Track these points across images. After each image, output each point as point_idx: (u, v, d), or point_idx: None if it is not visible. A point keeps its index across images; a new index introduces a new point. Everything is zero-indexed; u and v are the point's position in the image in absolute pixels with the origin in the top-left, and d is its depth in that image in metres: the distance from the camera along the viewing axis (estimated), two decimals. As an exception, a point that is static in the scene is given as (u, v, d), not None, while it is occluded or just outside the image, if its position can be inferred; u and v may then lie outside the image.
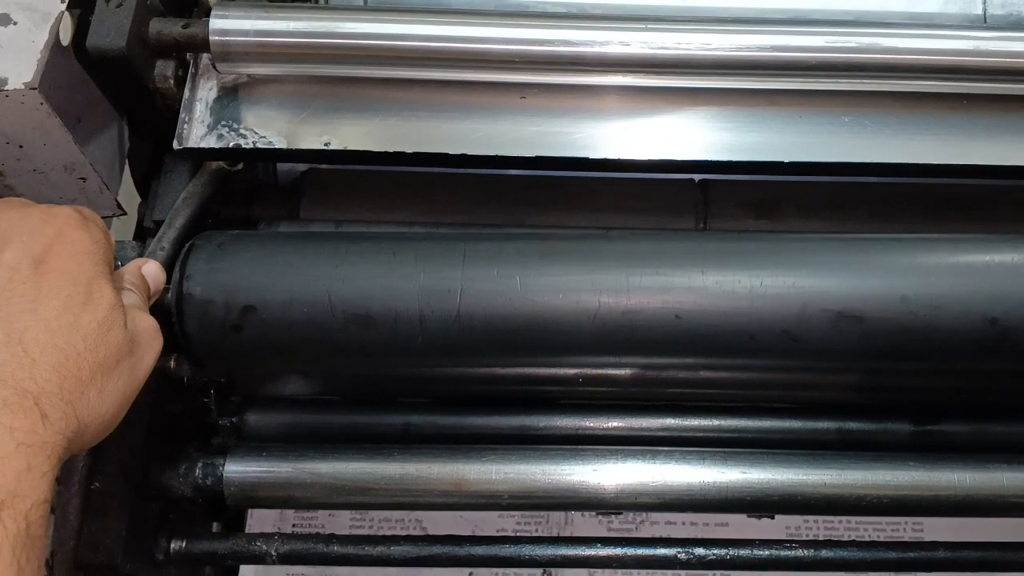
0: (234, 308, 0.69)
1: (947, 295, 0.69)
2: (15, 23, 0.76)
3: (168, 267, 0.76)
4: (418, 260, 0.71)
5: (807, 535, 0.99)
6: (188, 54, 0.84)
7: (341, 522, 0.98)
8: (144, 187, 0.91)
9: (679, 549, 0.81)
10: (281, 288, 0.70)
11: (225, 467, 0.80)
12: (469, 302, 0.70)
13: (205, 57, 0.84)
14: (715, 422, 0.88)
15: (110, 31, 0.77)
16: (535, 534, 0.98)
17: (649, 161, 0.84)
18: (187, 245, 0.73)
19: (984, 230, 0.89)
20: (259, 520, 0.98)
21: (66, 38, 0.78)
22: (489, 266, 0.71)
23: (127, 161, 0.91)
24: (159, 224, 0.80)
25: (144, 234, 0.85)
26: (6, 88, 0.74)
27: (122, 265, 0.70)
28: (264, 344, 0.71)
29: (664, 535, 0.96)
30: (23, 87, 0.74)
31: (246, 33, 0.80)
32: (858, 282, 0.71)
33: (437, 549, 0.81)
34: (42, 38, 0.76)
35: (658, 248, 0.74)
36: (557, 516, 0.98)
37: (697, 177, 0.94)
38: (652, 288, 0.71)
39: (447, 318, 0.69)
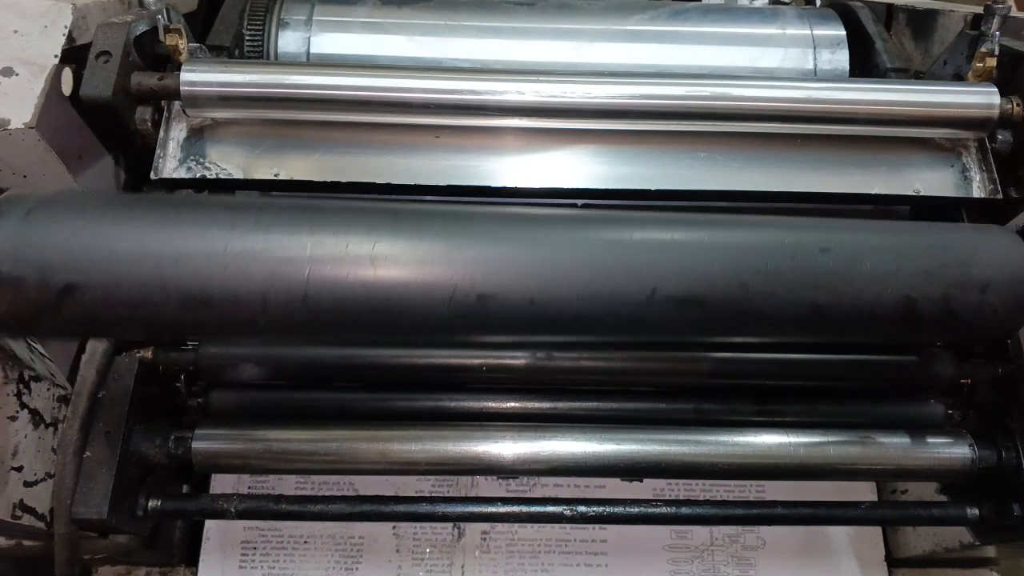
0: (51, 288, 0.58)
1: (779, 284, 0.69)
2: (17, 74, 0.83)
3: None
4: (259, 233, 0.62)
5: (670, 495, 1.09)
6: (163, 101, 0.92)
7: (288, 485, 1.07)
8: None
9: (565, 507, 0.90)
10: (106, 265, 0.60)
11: (193, 440, 0.87)
12: (317, 285, 0.61)
13: (177, 104, 0.91)
14: (595, 404, 0.96)
15: (99, 83, 0.85)
16: (447, 495, 1.07)
17: (541, 189, 0.94)
18: None
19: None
20: (221, 483, 1.07)
21: (67, 89, 0.86)
22: (339, 244, 0.63)
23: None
24: (139, 240, 0.91)
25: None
26: (9, 128, 0.81)
27: None
28: (87, 322, 0.62)
29: (553, 495, 1.06)
30: (23, 127, 0.81)
31: (210, 84, 0.88)
32: (702, 270, 0.69)
33: (367, 507, 0.89)
34: (39, 87, 0.83)
35: (516, 234, 0.69)
36: (465, 480, 1.07)
37: (580, 202, 0.99)
38: (508, 274, 0.67)
39: (292, 301, 0.61)
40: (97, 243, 0.60)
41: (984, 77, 0.97)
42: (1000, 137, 0.97)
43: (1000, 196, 0.96)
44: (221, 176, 0.91)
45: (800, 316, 0.71)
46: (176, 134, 0.93)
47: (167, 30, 0.90)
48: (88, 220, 0.62)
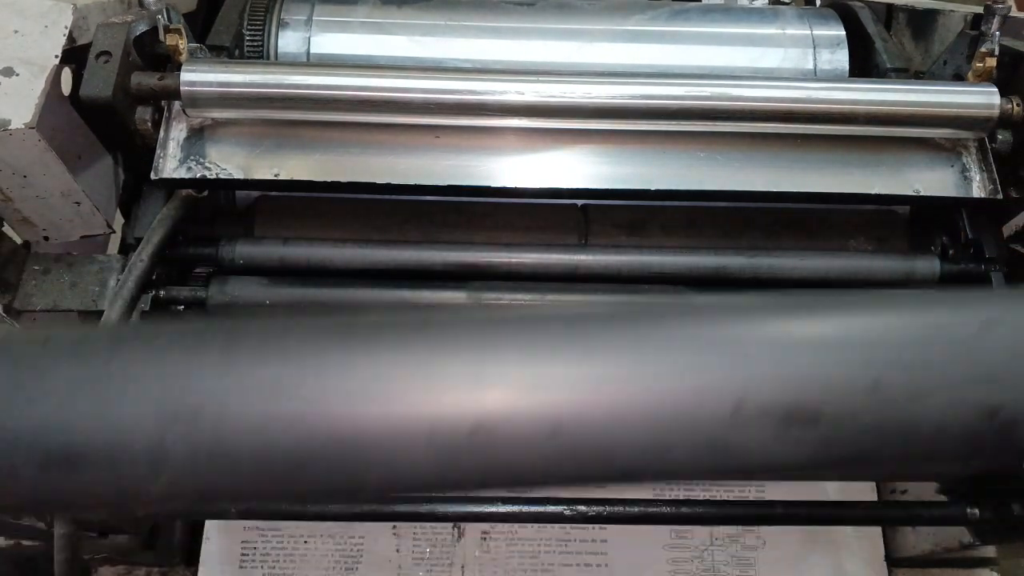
0: None
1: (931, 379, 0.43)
2: (17, 75, 0.83)
3: (144, 280, 0.86)
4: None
5: (670, 496, 1.09)
6: (163, 101, 0.92)
7: None
8: (127, 210, 0.99)
9: (565, 507, 0.90)
10: None
11: None
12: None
13: (177, 104, 0.91)
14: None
15: (99, 83, 0.85)
16: (446, 495, 1.06)
17: (540, 189, 0.94)
18: None
19: (810, 246, 1.00)
20: None
21: (67, 89, 0.86)
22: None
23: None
24: (139, 241, 0.89)
25: (127, 249, 0.93)
26: (9, 128, 0.80)
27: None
28: None
29: (552, 495, 0.99)
30: (23, 127, 0.80)
31: (210, 84, 0.88)
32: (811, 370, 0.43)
33: (367, 507, 0.89)
34: (39, 87, 0.82)
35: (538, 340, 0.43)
36: None
37: (580, 202, 1.02)
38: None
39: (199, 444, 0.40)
40: None
41: (984, 77, 0.97)
42: (1000, 137, 0.97)
43: (1000, 196, 0.96)
44: (221, 176, 0.91)
45: (967, 428, 0.45)
46: (176, 134, 0.93)
47: (167, 30, 0.90)
48: None
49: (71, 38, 0.88)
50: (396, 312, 0.44)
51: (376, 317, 0.43)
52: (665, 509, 0.92)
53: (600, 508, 0.91)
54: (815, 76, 1.09)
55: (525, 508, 0.92)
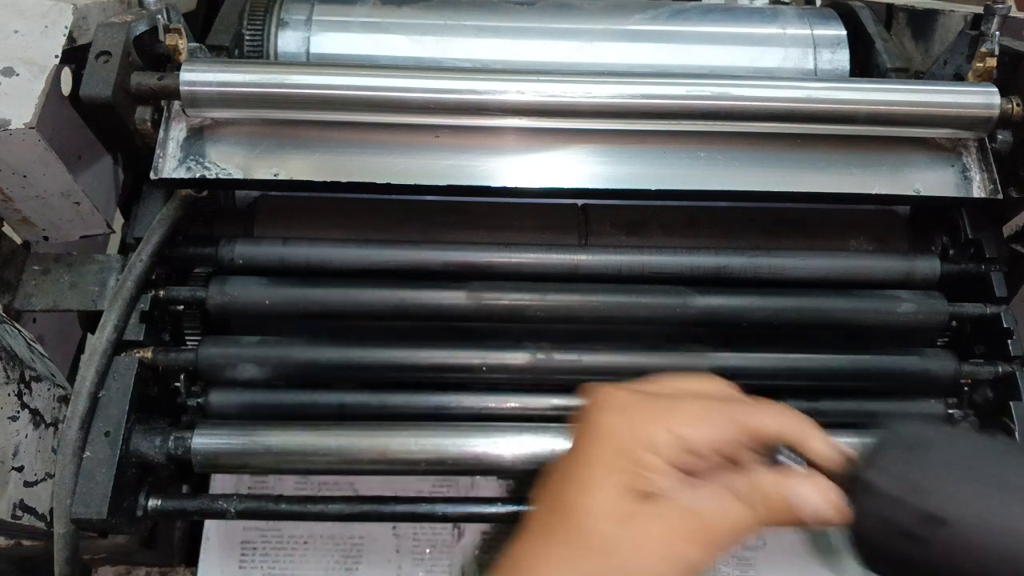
0: (918, 513, 0.52)
1: None
2: (17, 74, 0.83)
3: (143, 280, 0.87)
4: None
5: None
6: (163, 101, 0.92)
7: (287, 484, 1.06)
8: (126, 210, 1.00)
9: None
10: (977, 503, 0.52)
11: (193, 439, 0.87)
12: None
13: (176, 104, 0.91)
14: (595, 403, 0.97)
15: (99, 83, 0.85)
16: (446, 495, 1.07)
17: (540, 189, 0.93)
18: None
19: (810, 246, 1.00)
20: (221, 483, 1.06)
21: (66, 89, 0.86)
22: None
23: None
24: (139, 241, 0.89)
25: (126, 249, 0.93)
26: (9, 128, 0.80)
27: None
28: (943, 571, 0.53)
29: None
30: (23, 127, 0.80)
31: (210, 84, 0.88)
32: None
33: (366, 507, 0.88)
34: (40, 87, 0.82)
35: None
36: (464, 480, 1.07)
37: (580, 202, 1.02)
38: None
39: None
40: (972, 480, 0.54)
41: (984, 77, 0.97)
42: (1000, 137, 0.97)
43: (1000, 196, 0.96)
44: (221, 176, 0.91)
45: None
46: (176, 134, 0.93)
47: (167, 30, 0.90)
48: (963, 455, 0.56)
49: (71, 38, 0.88)
50: None
51: None
52: (663, 509, 0.91)
53: (600, 508, 0.90)
54: (815, 76, 1.09)
55: (524, 508, 0.90)
